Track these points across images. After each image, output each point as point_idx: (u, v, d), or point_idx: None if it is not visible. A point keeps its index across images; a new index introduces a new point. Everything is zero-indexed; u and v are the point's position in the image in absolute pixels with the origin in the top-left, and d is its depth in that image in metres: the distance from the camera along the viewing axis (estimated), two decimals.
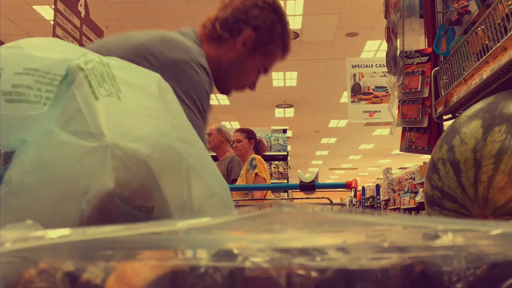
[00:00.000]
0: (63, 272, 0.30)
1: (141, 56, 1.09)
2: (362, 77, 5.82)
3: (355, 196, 2.34)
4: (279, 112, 11.58)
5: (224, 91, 1.33)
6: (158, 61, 1.08)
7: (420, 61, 1.75)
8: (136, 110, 0.60)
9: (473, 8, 1.32)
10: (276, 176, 6.51)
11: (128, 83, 0.62)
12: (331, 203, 3.21)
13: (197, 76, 1.12)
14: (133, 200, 0.55)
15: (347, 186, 2.48)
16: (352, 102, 5.76)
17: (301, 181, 2.40)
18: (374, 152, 16.74)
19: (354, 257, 0.31)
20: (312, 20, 6.59)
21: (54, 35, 2.73)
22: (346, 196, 2.65)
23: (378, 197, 5.80)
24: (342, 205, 2.91)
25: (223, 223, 0.39)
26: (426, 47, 1.77)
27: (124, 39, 1.15)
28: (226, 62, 1.24)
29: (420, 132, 1.77)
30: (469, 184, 0.87)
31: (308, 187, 2.37)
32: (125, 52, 1.08)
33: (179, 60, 1.10)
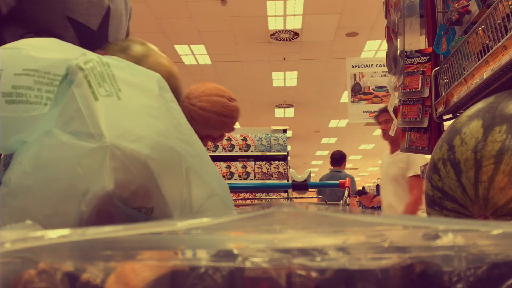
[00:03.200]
0: (62, 273, 0.30)
1: None
2: (362, 77, 5.81)
3: (349, 196, 2.33)
4: (279, 112, 11.56)
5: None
6: None
7: (420, 61, 1.75)
8: (136, 109, 0.60)
9: (474, 8, 1.32)
10: (276, 176, 6.51)
11: (128, 83, 0.62)
12: (326, 202, 3.22)
13: None
14: (132, 201, 0.55)
15: (340, 185, 2.47)
16: (352, 102, 5.75)
17: (293, 181, 2.39)
18: (375, 152, 16.70)
19: (354, 257, 0.31)
20: (312, 20, 6.58)
21: None
22: None
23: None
24: (336, 204, 2.89)
25: (223, 223, 0.38)
26: (427, 47, 1.77)
27: None
28: None
29: (420, 132, 1.77)
30: (469, 184, 0.86)
31: (301, 186, 2.36)
32: None
33: None
